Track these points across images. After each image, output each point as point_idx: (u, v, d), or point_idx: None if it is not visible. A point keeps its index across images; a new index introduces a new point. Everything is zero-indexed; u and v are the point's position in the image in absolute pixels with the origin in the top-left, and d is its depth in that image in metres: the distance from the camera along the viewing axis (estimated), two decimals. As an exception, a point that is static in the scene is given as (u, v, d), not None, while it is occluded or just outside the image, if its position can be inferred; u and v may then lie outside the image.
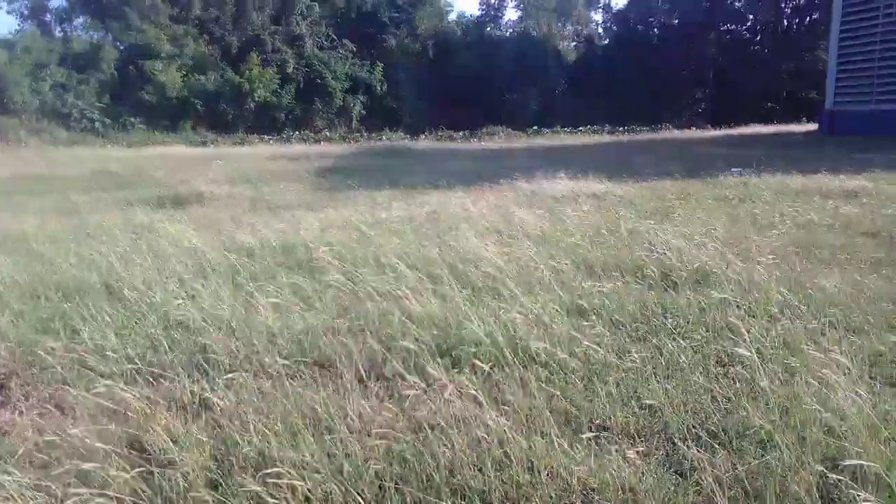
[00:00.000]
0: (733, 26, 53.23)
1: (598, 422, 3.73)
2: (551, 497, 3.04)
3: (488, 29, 53.60)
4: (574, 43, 58.22)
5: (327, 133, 40.31)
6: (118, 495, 2.97)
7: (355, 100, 45.51)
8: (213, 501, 2.96)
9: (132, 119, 40.87)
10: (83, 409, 4.09)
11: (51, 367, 4.93)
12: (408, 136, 36.29)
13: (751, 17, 52.67)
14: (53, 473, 3.22)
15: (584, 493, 3.08)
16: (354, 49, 46.37)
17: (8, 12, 46.25)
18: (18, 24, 46.29)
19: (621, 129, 40.03)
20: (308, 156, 24.85)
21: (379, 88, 46.26)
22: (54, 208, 12.58)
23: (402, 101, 45.67)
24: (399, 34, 47.64)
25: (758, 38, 52.61)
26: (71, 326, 5.68)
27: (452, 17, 53.29)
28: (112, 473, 3.11)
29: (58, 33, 45.25)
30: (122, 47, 43.20)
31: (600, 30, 59.44)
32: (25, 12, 46.31)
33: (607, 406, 3.84)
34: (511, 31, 55.65)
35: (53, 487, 3.05)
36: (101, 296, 6.38)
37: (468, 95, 44.13)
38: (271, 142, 36.38)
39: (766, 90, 47.51)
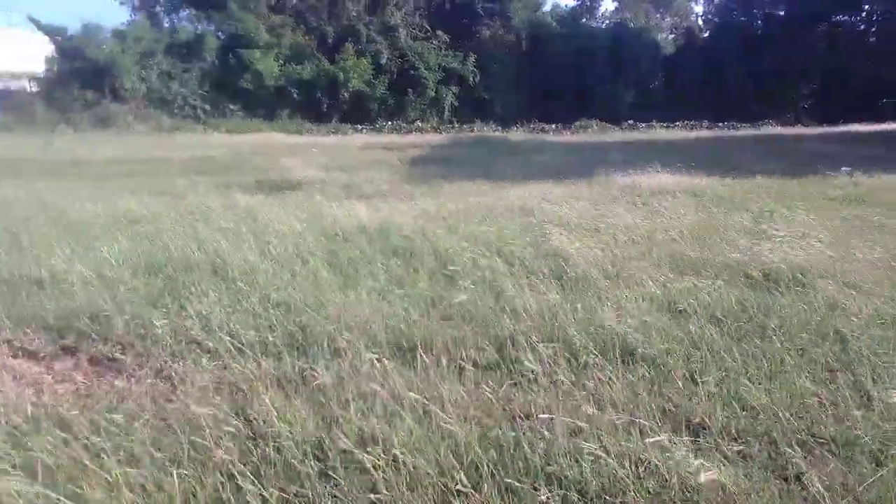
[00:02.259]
0: (845, 17, 50.47)
1: (696, 420, 3.65)
2: (649, 492, 3.00)
3: (583, 20, 52.77)
4: (672, 34, 56.62)
5: (419, 123, 40.71)
6: (229, 458, 3.09)
7: (448, 91, 45.68)
8: (318, 471, 3.05)
9: (231, 106, 42.26)
10: (192, 380, 4.28)
11: (161, 341, 5.20)
12: (499, 127, 36.25)
13: (866, 6, 49.73)
14: (165, 440, 3.40)
15: (683, 491, 3.02)
16: (448, 40, 46.47)
17: (121, 3, 48.55)
18: (130, 16, 48.57)
19: (721, 124, 38.71)
20: (400, 145, 25.16)
21: (471, 80, 46.25)
22: (159, 191, 13.17)
23: (495, 92, 45.55)
24: (493, 25, 47.47)
25: (873, 29, 49.69)
26: (179, 303, 5.95)
27: (547, 7, 52.78)
28: (222, 441, 3.26)
29: (165, 24, 47.26)
30: (222, 37, 44.69)
31: (700, 21, 57.55)
32: (136, 4, 48.59)
33: (707, 405, 3.75)
34: (607, 22, 54.64)
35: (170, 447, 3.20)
36: (206, 275, 6.65)
37: (561, 88, 43.64)
38: (364, 131, 37.01)
39: (880, 86, 44.79)
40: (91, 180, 15.35)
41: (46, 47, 41.39)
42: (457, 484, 3.01)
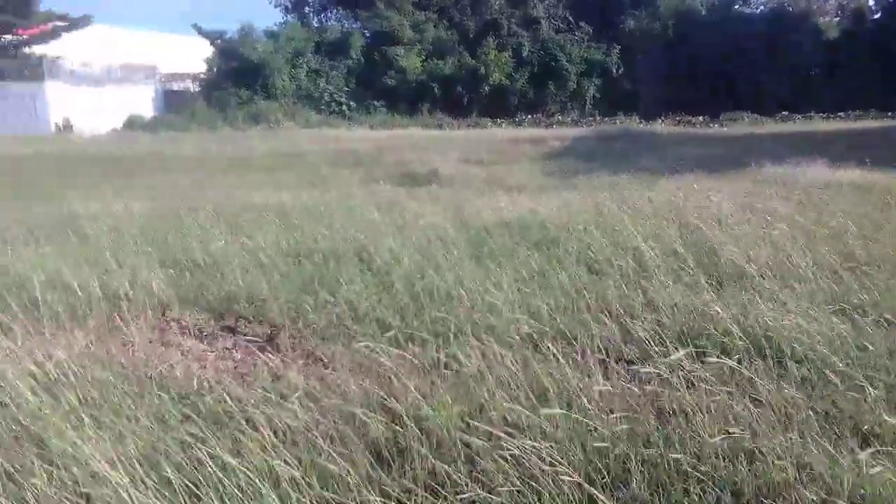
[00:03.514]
0: None
1: (865, 427, 3.35)
2: (812, 500, 2.77)
3: (736, 7, 50.07)
4: (837, 18, 52.52)
5: (559, 117, 40.26)
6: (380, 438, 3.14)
7: (590, 83, 44.89)
8: (466, 457, 3.04)
9: (375, 102, 43.60)
10: (341, 362, 4.41)
11: (313, 324, 5.41)
12: (643, 120, 35.14)
13: None
14: (318, 418, 3.50)
15: (852, 501, 2.77)
16: (591, 31, 45.63)
17: (275, 6, 51.27)
18: (282, 17, 51.22)
19: (890, 114, 35.57)
20: (541, 139, 24.96)
21: (615, 71, 45.18)
22: (308, 183, 13.76)
23: (639, 84, 44.23)
24: (639, 15, 46.04)
25: None
26: (328, 289, 6.18)
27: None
28: (371, 422, 3.32)
29: (314, 23, 49.43)
30: (368, 34, 46.13)
31: (871, 2, 52.94)
32: (288, 5, 51.18)
33: (876, 412, 3.42)
34: (762, 7, 51.53)
35: (324, 425, 3.30)
36: (353, 263, 6.85)
37: (709, 78, 41.62)
38: (503, 125, 37.05)
39: None
40: (245, 172, 16.28)
41: (207, 49, 44.39)
42: (604, 477, 2.92)
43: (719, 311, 4.53)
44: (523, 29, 45.38)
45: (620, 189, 11.29)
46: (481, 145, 22.38)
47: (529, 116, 40.20)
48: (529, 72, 44.48)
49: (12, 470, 2.93)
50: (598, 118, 38.74)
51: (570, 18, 46.82)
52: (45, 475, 2.82)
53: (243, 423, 3.32)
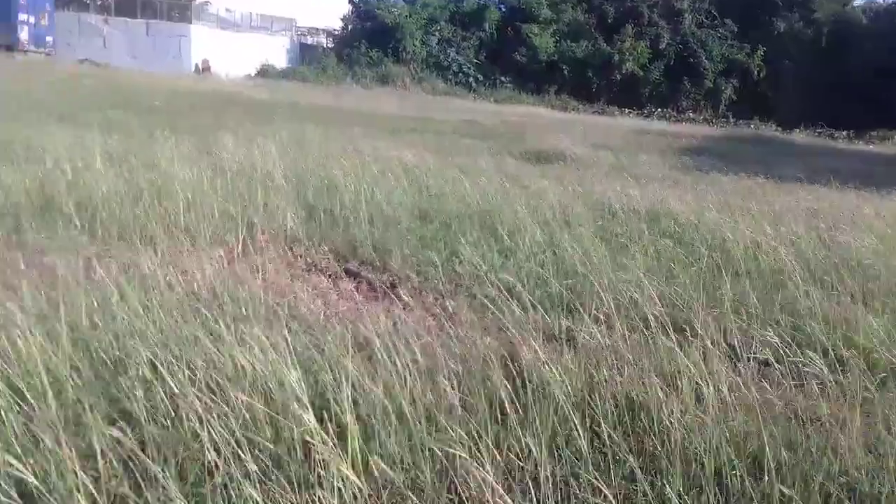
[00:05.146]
0: None
1: None
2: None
3: (902, 18, 46.53)
4: None
5: (691, 114, 38.83)
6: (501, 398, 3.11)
7: (727, 84, 42.98)
8: (581, 423, 2.98)
9: (502, 78, 43.34)
10: (462, 318, 4.40)
11: (433, 278, 5.45)
12: (779, 128, 33.37)
13: None
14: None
15: None
16: (735, 30, 43.56)
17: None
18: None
19: None
20: (670, 133, 24.18)
21: (756, 74, 43.05)
22: (431, 147, 13.84)
23: (780, 90, 41.98)
24: (791, 18, 43.55)
25: None
26: (451, 248, 6.21)
27: (859, 1, 47.17)
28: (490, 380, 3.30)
29: (452, -8, 49.38)
30: (504, 9, 45.77)
31: None
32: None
33: None
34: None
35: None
36: (475, 226, 6.85)
37: (861, 92, 38.82)
38: (631, 115, 36.10)
39: None
40: (372, 130, 16.55)
41: (344, 7, 45.27)
42: (734, 470, 2.80)
43: (873, 322, 4.24)
44: (664, 20, 43.82)
45: (752, 190, 10.80)
46: (609, 132, 21.89)
47: (659, 110, 38.95)
48: (665, 65, 43.03)
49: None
50: (731, 120, 37.10)
51: (715, 13, 44.83)
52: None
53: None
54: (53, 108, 13.39)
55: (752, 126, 34.29)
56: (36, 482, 2.26)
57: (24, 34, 34.17)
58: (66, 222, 5.81)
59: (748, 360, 4.06)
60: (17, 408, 2.68)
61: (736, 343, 4.22)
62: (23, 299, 3.42)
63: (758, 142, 24.95)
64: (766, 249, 6.32)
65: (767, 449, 2.82)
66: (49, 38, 35.84)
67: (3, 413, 2.60)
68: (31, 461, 2.37)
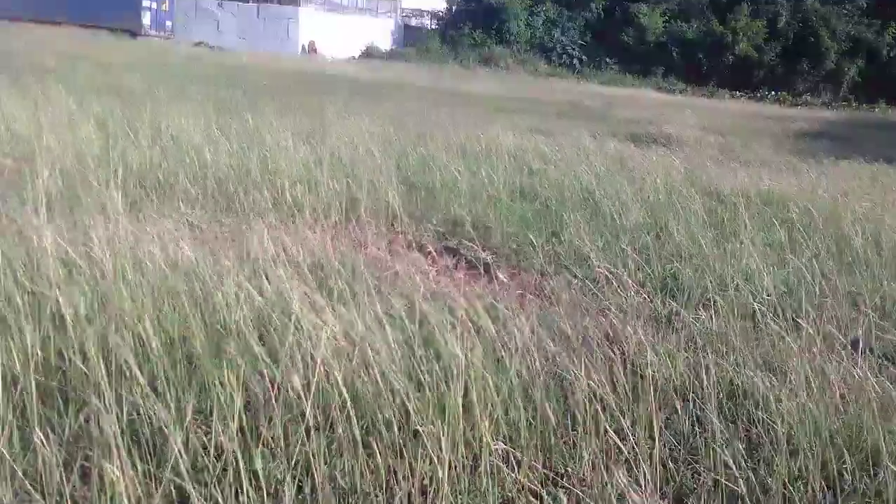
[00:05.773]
0: None
1: None
2: None
3: None
4: None
5: (808, 98, 36.69)
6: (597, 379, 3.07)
7: (851, 64, 40.23)
8: (683, 407, 2.91)
9: (607, 59, 42.27)
10: (561, 299, 4.36)
11: (532, 258, 5.43)
12: (911, 112, 31.09)
13: None
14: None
15: None
16: (864, 5, 40.69)
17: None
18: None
19: None
20: (786, 117, 23.01)
21: (885, 54, 40.10)
22: (535, 128, 13.73)
23: (912, 71, 39.04)
24: (926, -8, 40.39)
25: None
26: (551, 229, 6.17)
27: None
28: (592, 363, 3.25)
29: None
30: (611, -11, 44.59)
31: None
32: (536, -48, 50.55)
33: None
34: None
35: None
36: (579, 207, 6.77)
37: None
38: (742, 98, 34.55)
39: None
40: (475, 110, 16.55)
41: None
42: (843, 464, 2.67)
43: None
44: (784, -3, 41.49)
45: (875, 177, 10.16)
46: (719, 115, 21.07)
47: (772, 93, 37.02)
48: (782, 45, 40.74)
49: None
50: (854, 104, 34.86)
51: (843, -11, 42.08)
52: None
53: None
54: (172, 88, 14.05)
55: (877, 110, 32.16)
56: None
57: (146, 19, 36.09)
58: (183, 195, 6.11)
59: (865, 353, 3.85)
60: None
61: (852, 335, 4.02)
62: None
63: (884, 126, 23.41)
64: (887, 240, 5.95)
65: (883, 444, 2.67)
66: (168, 23, 37.67)
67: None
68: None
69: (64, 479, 2.17)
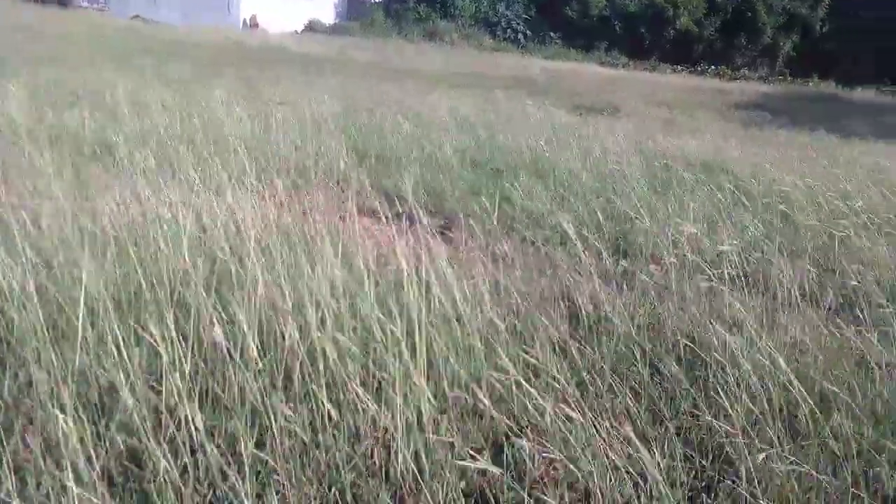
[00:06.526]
0: None
1: None
2: None
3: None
4: None
5: (745, 72, 37.45)
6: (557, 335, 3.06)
7: (786, 39, 41.28)
8: (642, 358, 2.92)
9: (551, 34, 42.41)
10: (515, 261, 4.35)
11: (486, 222, 5.40)
12: (840, 85, 32.05)
13: None
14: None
15: None
16: (801, -20, 41.67)
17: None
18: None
19: None
20: (724, 91, 23.49)
21: (818, 29, 41.24)
22: (480, 100, 13.68)
23: (844, 46, 40.16)
24: (857, -31, 41.55)
25: None
26: (502, 194, 6.14)
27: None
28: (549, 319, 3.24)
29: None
30: (556, -36, 44.65)
31: None
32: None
33: None
34: None
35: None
36: (527, 174, 6.77)
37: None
38: (683, 73, 35.06)
39: None
40: (420, 84, 16.42)
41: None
42: (799, 409, 2.72)
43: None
44: (723, -28, 42.13)
45: (813, 146, 10.46)
46: (661, 88, 21.40)
47: (712, 68, 37.69)
48: (721, 19, 41.47)
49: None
50: (788, 78, 35.75)
51: (779, -35, 42.95)
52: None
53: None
54: (108, 58, 13.54)
55: (811, 84, 33.04)
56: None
57: (79, -10, 34.73)
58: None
59: (816, 304, 3.95)
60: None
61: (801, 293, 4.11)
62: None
63: (819, 99, 24.10)
64: (823, 202, 6.11)
65: (834, 389, 2.73)
66: (102, -5, 36.35)
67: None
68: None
69: (3, 440, 2.06)
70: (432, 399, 2.37)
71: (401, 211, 5.82)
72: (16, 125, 5.97)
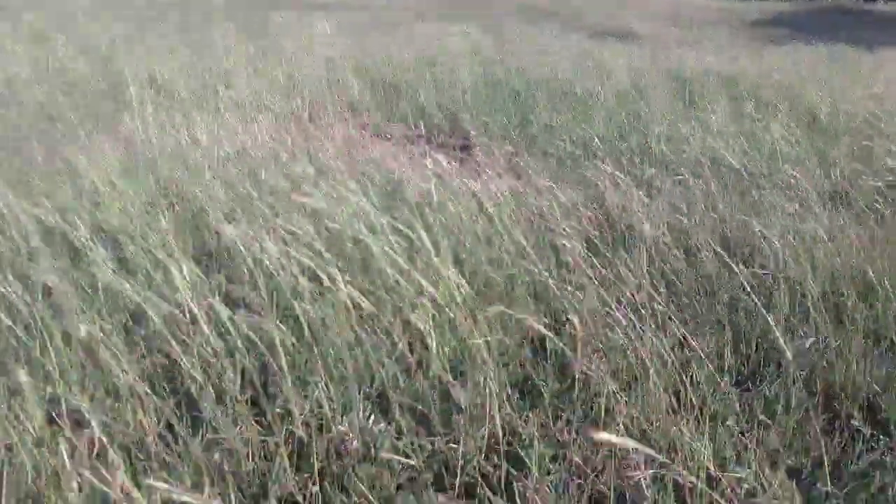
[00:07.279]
0: None
1: None
2: None
3: None
4: None
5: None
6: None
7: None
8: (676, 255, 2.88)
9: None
10: (536, 174, 4.26)
11: (506, 140, 5.31)
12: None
13: None
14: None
15: None
16: None
17: None
18: None
19: None
20: (740, 10, 22.73)
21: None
22: (490, 29, 13.30)
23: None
24: None
25: None
26: (521, 114, 6.03)
27: None
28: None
29: None
30: None
31: None
32: None
33: None
34: None
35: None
36: (545, 95, 6.61)
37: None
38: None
39: None
40: (429, 14, 16.04)
41: None
42: (843, 297, 2.67)
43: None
44: None
45: (835, 57, 10.15)
46: (678, 9, 20.72)
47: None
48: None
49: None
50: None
51: None
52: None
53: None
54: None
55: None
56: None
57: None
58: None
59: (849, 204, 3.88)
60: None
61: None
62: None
63: (838, 12, 23.29)
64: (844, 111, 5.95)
65: (875, 277, 2.68)
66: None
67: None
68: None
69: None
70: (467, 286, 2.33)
71: (421, 133, 5.78)
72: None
